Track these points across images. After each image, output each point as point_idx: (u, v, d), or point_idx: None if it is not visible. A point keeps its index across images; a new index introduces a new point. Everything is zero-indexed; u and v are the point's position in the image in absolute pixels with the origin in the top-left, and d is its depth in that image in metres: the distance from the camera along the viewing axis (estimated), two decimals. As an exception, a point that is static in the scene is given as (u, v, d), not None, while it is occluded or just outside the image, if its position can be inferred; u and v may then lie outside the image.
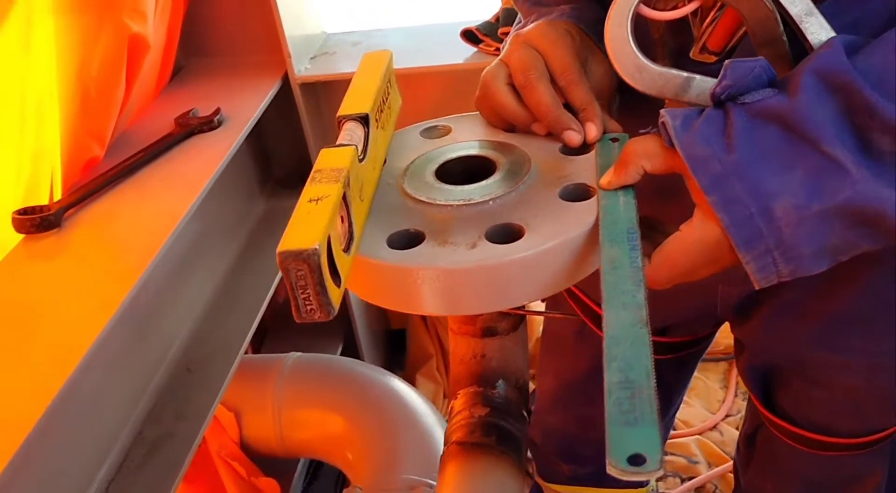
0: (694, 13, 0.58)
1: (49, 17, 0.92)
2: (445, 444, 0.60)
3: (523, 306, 0.60)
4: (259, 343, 1.57)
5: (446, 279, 0.50)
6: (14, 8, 0.86)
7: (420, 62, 1.30)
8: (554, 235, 0.51)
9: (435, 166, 0.59)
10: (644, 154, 0.53)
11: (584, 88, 0.59)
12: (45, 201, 1.01)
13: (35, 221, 0.97)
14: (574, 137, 0.59)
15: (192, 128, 1.16)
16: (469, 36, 1.32)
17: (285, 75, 1.29)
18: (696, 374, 1.68)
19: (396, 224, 0.54)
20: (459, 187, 0.56)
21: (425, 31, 1.43)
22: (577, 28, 0.63)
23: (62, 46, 0.95)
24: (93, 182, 1.04)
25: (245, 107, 1.23)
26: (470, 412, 0.60)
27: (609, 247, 0.49)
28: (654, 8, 0.57)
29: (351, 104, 0.58)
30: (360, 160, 0.55)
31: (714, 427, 1.60)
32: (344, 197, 0.50)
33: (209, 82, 1.31)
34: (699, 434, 1.58)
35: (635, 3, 0.56)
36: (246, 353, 1.50)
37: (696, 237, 0.50)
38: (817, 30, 0.54)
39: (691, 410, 1.64)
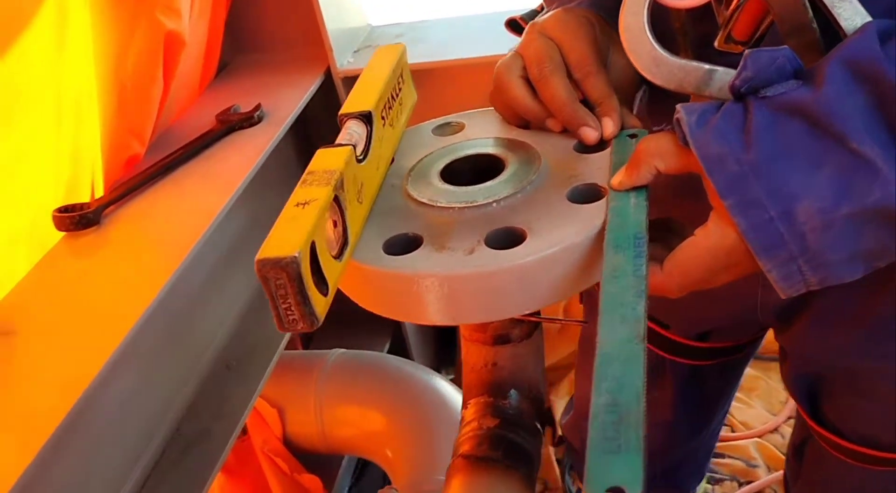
0: (719, 0, 0.54)
1: (85, 14, 0.93)
2: (453, 456, 0.58)
3: (538, 312, 0.57)
4: (308, 339, 1.57)
5: (441, 287, 0.47)
6: (47, 6, 0.87)
7: (464, 54, 1.27)
8: (557, 240, 0.48)
9: (441, 166, 0.57)
10: (657, 153, 0.49)
11: (602, 81, 0.56)
12: (87, 199, 1.02)
13: (74, 219, 0.98)
14: (590, 134, 0.55)
15: (232, 124, 1.16)
16: (514, 26, 1.28)
17: (328, 70, 1.28)
18: (757, 374, 1.63)
19: (395, 228, 0.52)
20: (463, 189, 0.54)
21: (470, 22, 1.40)
22: (598, 16, 0.59)
23: (98, 44, 0.95)
24: (132, 180, 1.04)
25: (287, 102, 1.22)
26: (479, 423, 0.57)
27: (613, 253, 0.45)
28: (673, -5, 0.53)
29: (354, 101, 0.56)
30: (360, 160, 0.53)
31: (775, 430, 1.53)
32: (337, 200, 0.48)
33: (253, 78, 1.31)
34: (759, 437, 1.52)
35: (653, -11, 0.53)
36: (293, 349, 1.51)
37: (710, 243, 0.47)
38: (851, 15, 0.49)
39: (752, 411, 1.58)
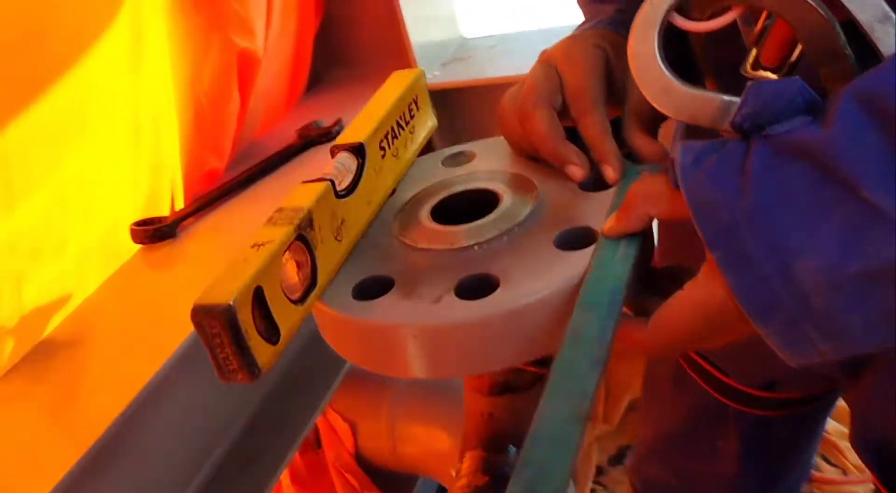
0: (745, 19, 0.48)
1: (162, 31, 0.95)
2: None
3: (544, 361, 0.53)
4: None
5: (397, 339, 0.44)
6: (121, 22, 0.90)
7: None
8: (529, 291, 0.43)
9: (435, 201, 0.53)
10: (647, 197, 0.44)
11: (596, 120, 0.50)
12: (167, 212, 1.05)
13: (149, 232, 1.01)
14: (575, 173, 0.50)
15: (311, 139, 1.16)
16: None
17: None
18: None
19: (371, 269, 0.49)
20: (449, 228, 0.50)
21: (566, 33, 1.34)
22: (618, 36, 0.54)
23: (175, 62, 0.98)
24: (208, 194, 1.07)
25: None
26: (469, 479, 0.53)
27: (581, 311, 0.41)
28: (689, 17, 0.48)
29: (350, 132, 0.54)
30: (342, 195, 0.50)
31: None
32: (303, 240, 0.46)
33: (341, 93, 1.31)
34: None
35: (664, 11, 0.47)
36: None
37: (696, 299, 0.41)
38: (892, 40, 0.42)
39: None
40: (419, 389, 1.26)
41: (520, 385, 0.54)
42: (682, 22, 0.47)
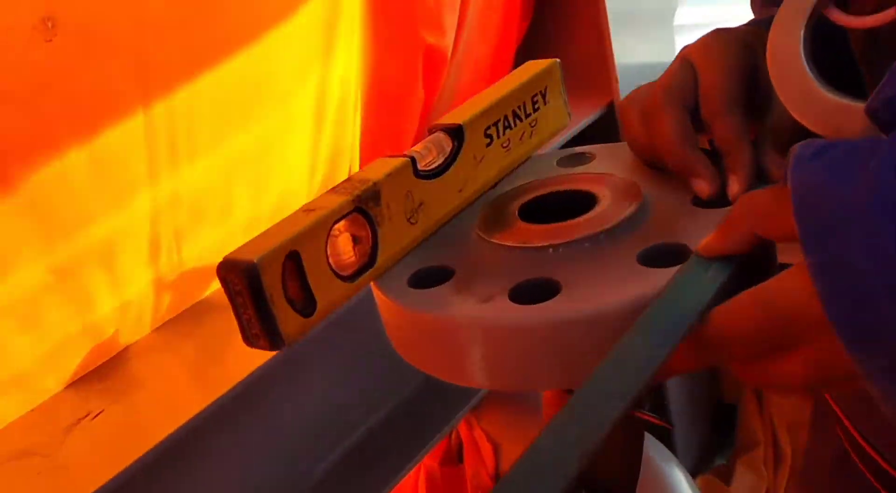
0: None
1: (356, 19, 0.97)
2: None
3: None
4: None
5: (428, 332, 0.40)
6: (315, 12, 0.92)
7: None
8: (585, 304, 0.37)
9: (529, 197, 0.48)
10: (755, 212, 0.36)
11: (730, 122, 0.43)
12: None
13: (317, 215, 1.03)
14: (702, 187, 0.43)
15: (494, 145, 1.13)
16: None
17: (610, 103, 1.21)
18: None
19: (435, 258, 0.45)
20: (528, 226, 0.45)
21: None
22: None
23: (364, 53, 0.99)
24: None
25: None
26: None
27: (633, 333, 0.34)
28: (848, 11, 0.39)
29: (455, 113, 0.50)
30: (425, 176, 0.46)
31: None
32: (364, 213, 0.43)
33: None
34: None
35: (815, 0, 0.39)
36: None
37: (768, 296, 0.33)
38: None
39: None
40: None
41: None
42: (838, 16, 0.39)
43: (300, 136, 0.98)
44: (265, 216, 0.98)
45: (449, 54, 1.02)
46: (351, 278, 0.43)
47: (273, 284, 0.38)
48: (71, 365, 0.81)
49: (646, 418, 0.47)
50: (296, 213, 0.41)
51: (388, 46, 0.98)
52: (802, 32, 0.39)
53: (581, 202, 0.46)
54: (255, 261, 0.37)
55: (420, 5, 0.96)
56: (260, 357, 0.81)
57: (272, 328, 0.39)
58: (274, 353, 0.79)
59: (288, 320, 0.39)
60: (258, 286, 0.38)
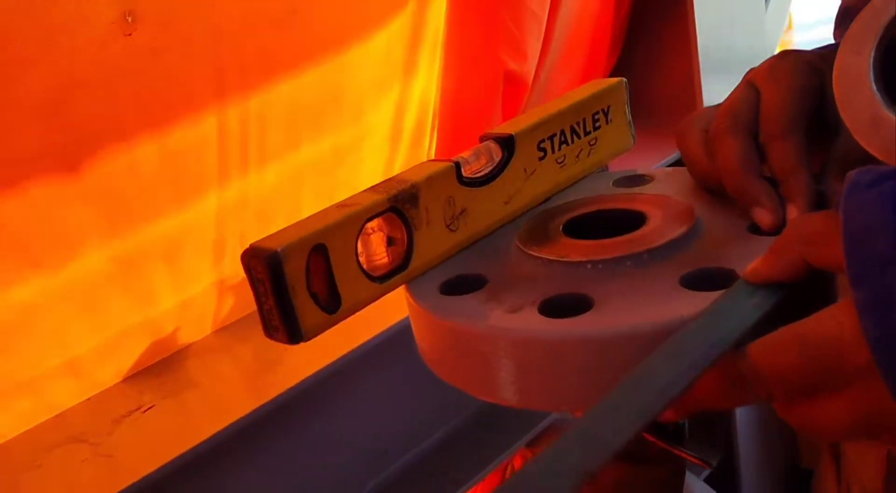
0: None
1: (438, 38, 0.97)
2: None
3: (662, 434, 0.44)
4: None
5: (456, 342, 0.38)
6: (399, 30, 0.93)
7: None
8: (615, 321, 0.35)
9: (577, 214, 0.46)
10: (803, 238, 0.33)
11: (791, 148, 0.40)
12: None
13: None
14: (763, 217, 0.40)
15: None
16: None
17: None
18: None
19: (472, 266, 0.43)
20: (570, 241, 0.43)
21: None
22: None
23: (445, 74, 0.99)
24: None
25: (644, 163, 1.15)
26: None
27: (659, 355, 0.32)
28: (928, 28, 0.36)
29: (510, 123, 0.49)
30: (470, 184, 0.45)
31: None
32: (402, 216, 0.42)
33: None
34: None
35: (889, 18, 0.36)
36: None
37: (814, 330, 0.31)
38: None
39: None
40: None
41: (640, 455, 0.45)
42: (917, 35, 0.36)
43: (374, 151, 0.98)
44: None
45: (530, 81, 1.01)
46: (381, 279, 0.42)
47: (296, 275, 0.38)
48: (129, 359, 0.83)
49: (685, 456, 0.44)
50: (330, 207, 0.41)
51: (468, 69, 0.98)
52: (873, 53, 0.37)
53: (631, 222, 0.44)
54: (278, 250, 0.37)
55: (503, 30, 0.96)
56: (315, 366, 0.81)
57: (292, 321, 0.38)
58: (331, 362, 0.80)
59: (309, 314, 0.38)
60: (280, 276, 0.37)
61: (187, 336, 0.88)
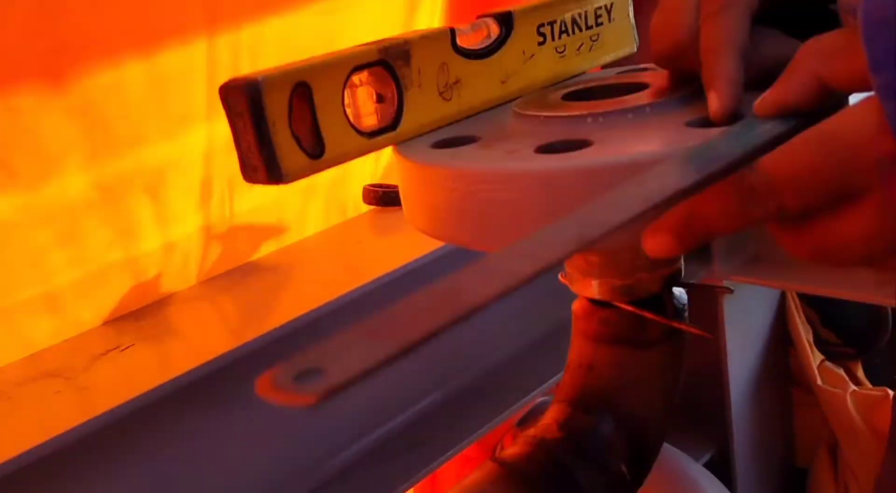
0: None
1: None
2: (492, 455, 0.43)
3: (665, 312, 0.41)
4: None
5: (445, 188, 0.36)
6: None
7: None
8: (616, 153, 0.33)
9: (577, 88, 0.44)
10: (818, 52, 0.31)
11: (721, 25, 0.37)
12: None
13: (377, 194, 1.01)
14: (711, 101, 0.36)
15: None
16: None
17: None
18: None
19: (465, 129, 0.41)
20: (570, 102, 0.41)
21: None
22: None
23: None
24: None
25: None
26: (541, 431, 0.42)
27: (660, 165, 0.29)
28: None
29: (512, 5, 0.47)
30: (466, 54, 0.43)
31: None
32: (392, 71, 0.40)
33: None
34: None
35: None
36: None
37: (832, 130, 0.28)
38: None
39: None
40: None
41: (637, 338, 0.42)
42: None
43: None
44: (324, 195, 0.97)
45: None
46: (369, 134, 0.39)
47: (277, 110, 0.35)
48: (110, 301, 0.80)
49: (685, 328, 0.42)
50: (318, 55, 0.39)
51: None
52: None
53: (633, 91, 0.42)
54: (259, 79, 0.35)
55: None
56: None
57: (271, 159, 0.36)
58: (314, 307, 0.77)
59: (290, 155, 0.36)
60: (259, 109, 0.35)
61: (171, 284, 0.85)
